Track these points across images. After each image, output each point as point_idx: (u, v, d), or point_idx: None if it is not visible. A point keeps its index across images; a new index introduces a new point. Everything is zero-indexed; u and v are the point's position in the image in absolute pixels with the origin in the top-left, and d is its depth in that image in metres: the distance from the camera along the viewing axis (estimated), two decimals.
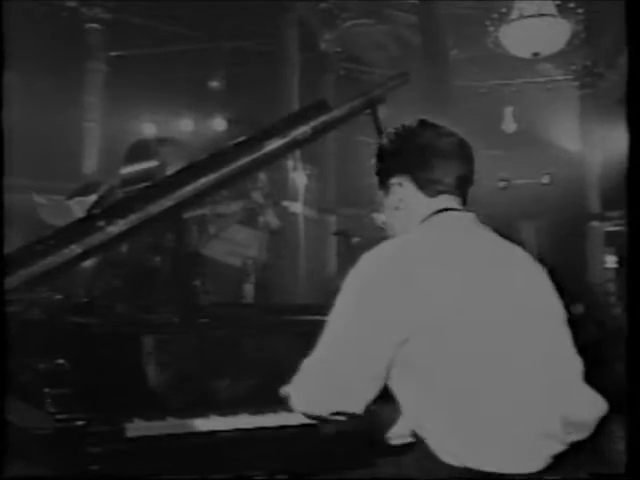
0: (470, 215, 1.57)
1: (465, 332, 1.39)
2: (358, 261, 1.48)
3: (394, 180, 1.59)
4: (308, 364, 1.46)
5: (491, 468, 1.37)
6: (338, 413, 1.45)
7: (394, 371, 1.43)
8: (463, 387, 1.39)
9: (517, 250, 1.57)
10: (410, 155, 1.59)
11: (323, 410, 1.45)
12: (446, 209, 1.55)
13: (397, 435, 1.54)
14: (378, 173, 1.66)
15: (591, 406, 1.51)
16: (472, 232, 1.55)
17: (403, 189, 1.58)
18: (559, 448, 1.43)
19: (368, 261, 1.47)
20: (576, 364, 1.51)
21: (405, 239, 1.53)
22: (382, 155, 1.65)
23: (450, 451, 1.39)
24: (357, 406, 1.42)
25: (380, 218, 1.76)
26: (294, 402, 1.47)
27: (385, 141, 1.65)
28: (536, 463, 1.40)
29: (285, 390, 1.51)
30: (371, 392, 1.42)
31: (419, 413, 1.45)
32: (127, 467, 1.75)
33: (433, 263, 1.43)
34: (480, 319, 1.41)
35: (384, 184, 1.63)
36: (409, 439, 1.50)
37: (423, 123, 1.64)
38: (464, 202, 1.61)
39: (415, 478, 1.45)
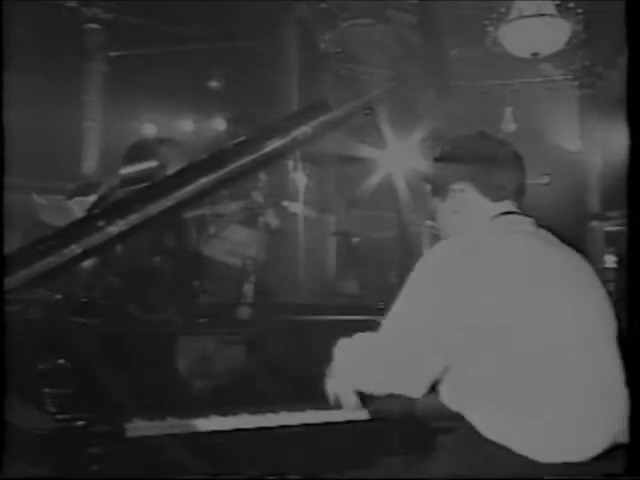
0: (531, 220, 1.66)
1: (527, 332, 1.44)
2: (429, 251, 1.55)
3: (455, 186, 1.68)
4: (371, 347, 1.52)
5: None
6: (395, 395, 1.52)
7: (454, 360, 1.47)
8: (526, 383, 1.43)
9: (576, 255, 1.64)
10: (473, 163, 1.69)
11: (383, 391, 1.52)
12: (510, 212, 1.64)
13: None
14: (435, 181, 1.75)
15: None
16: (535, 235, 1.63)
17: (465, 194, 1.69)
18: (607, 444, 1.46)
19: (439, 252, 1.54)
20: (622, 377, 1.55)
21: (483, 236, 1.60)
22: (442, 163, 1.74)
23: (497, 434, 1.43)
24: (417, 391, 1.49)
25: (432, 223, 1.83)
26: (351, 377, 1.54)
27: (446, 149, 1.75)
28: (583, 454, 1.45)
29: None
30: (430, 378, 1.48)
31: (467, 400, 1.49)
32: (127, 467, 1.75)
33: (500, 261, 1.50)
34: (542, 320, 1.46)
35: (442, 190, 1.72)
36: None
37: (483, 134, 1.76)
38: (520, 209, 1.70)
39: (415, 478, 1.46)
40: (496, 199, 1.68)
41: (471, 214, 1.69)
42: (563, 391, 1.46)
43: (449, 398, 1.52)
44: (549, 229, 1.73)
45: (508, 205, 1.69)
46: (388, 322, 1.53)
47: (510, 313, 1.46)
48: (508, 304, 1.46)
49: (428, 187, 1.80)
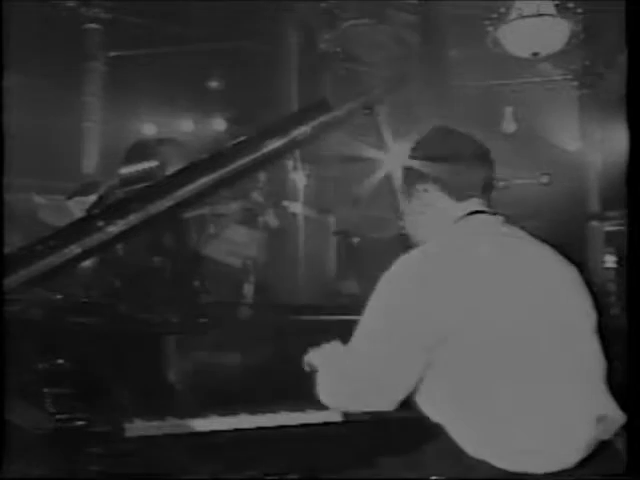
0: (500, 218, 1.61)
1: (494, 333, 1.42)
2: (394, 264, 1.51)
3: (419, 186, 1.64)
4: (341, 363, 1.49)
5: (520, 468, 1.38)
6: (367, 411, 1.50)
7: (426, 372, 1.45)
8: (491, 388, 1.41)
9: (548, 251, 1.59)
10: (436, 161, 1.64)
11: (354, 407, 1.50)
12: (478, 211, 1.59)
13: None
14: (402, 181, 1.72)
15: (616, 408, 1.53)
16: (504, 234, 1.59)
17: (429, 194, 1.63)
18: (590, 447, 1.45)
19: (404, 265, 1.50)
20: (602, 366, 1.53)
21: (442, 243, 1.55)
22: (407, 163, 1.71)
23: (476, 447, 1.41)
24: (388, 405, 1.46)
25: (401, 224, 1.80)
26: (324, 397, 1.51)
27: (410, 149, 1.71)
28: (567, 461, 1.42)
29: (310, 363, 1.55)
30: (402, 393, 1.45)
31: (445, 410, 1.46)
32: (127, 467, 1.75)
33: (467, 268, 1.46)
34: (510, 320, 1.44)
35: (408, 190, 1.68)
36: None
37: (445, 130, 1.69)
38: (489, 206, 1.65)
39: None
40: (461, 198, 1.62)
41: (436, 215, 1.64)
42: (540, 396, 1.43)
43: (427, 409, 1.50)
44: (522, 226, 1.68)
45: (475, 204, 1.63)
46: (357, 337, 1.50)
47: (477, 320, 1.41)
48: (474, 311, 1.42)
49: (400, 188, 1.77)
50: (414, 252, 1.54)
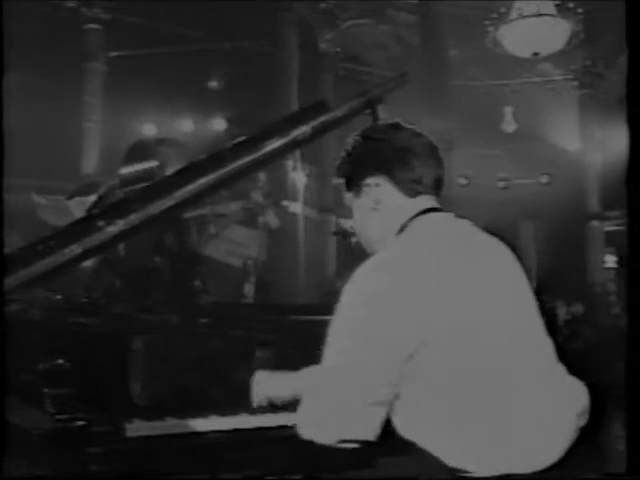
0: (451, 215, 1.58)
1: (462, 338, 1.39)
2: (353, 276, 1.45)
3: (370, 180, 1.58)
4: (312, 391, 1.43)
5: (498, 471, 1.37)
6: (348, 440, 1.42)
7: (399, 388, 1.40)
8: (465, 394, 1.38)
9: (495, 242, 1.57)
10: (388, 155, 1.58)
11: (332, 439, 1.41)
12: (429, 209, 1.55)
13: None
14: (348, 174, 1.64)
15: (582, 387, 1.52)
16: (458, 233, 1.55)
17: (380, 189, 1.57)
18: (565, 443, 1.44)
19: (364, 276, 1.45)
20: (550, 347, 1.52)
21: (397, 249, 1.51)
22: (354, 156, 1.63)
23: (453, 457, 1.39)
24: (368, 432, 1.39)
25: (348, 222, 1.73)
26: (302, 430, 1.43)
27: (358, 142, 1.63)
28: (547, 458, 1.41)
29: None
30: (379, 415, 1.40)
31: (420, 423, 1.43)
32: (127, 467, 1.75)
33: (426, 274, 1.42)
34: (472, 320, 1.41)
35: (356, 185, 1.61)
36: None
37: (397, 125, 1.63)
38: (439, 203, 1.61)
39: (415, 478, 1.45)
40: (412, 194, 1.56)
41: (389, 212, 1.57)
42: (509, 398, 1.41)
43: (402, 427, 1.45)
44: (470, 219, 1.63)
45: (425, 201, 1.57)
46: (327, 356, 1.44)
47: (444, 325, 1.37)
48: (439, 315, 1.37)
49: (341, 182, 1.66)
50: (370, 262, 1.49)
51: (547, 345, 1.51)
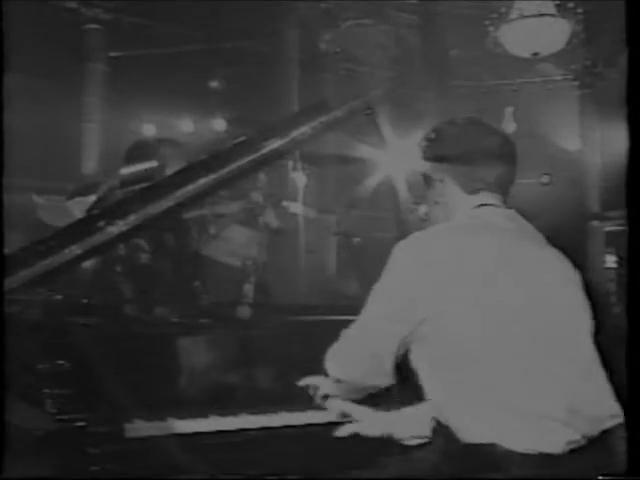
0: (510, 212, 1.63)
1: (480, 315, 1.44)
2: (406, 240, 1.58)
3: (436, 176, 1.66)
4: (344, 335, 1.57)
5: (507, 444, 1.39)
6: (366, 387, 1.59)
7: (414, 350, 1.49)
8: (475, 366, 1.43)
9: (549, 249, 1.61)
10: (454, 152, 1.65)
11: (347, 376, 1.55)
12: (484, 204, 1.62)
13: (413, 436, 1.57)
14: (423, 167, 1.73)
15: (600, 403, 1.53)
16: (505, 229, 1.60)
17: (444, 185, 1.66)
18: (573, 436, 1.44)
19: (408, 243, 1.57)
20: (594, 365, 1.53)
21: (442, 227, 1.60)
22: (427, 150, 1.71)
23: (469, 429, 1.43)
24: (381, 379, 1.53)
25: (422, 209, 1.83)
26: (330, 368, 1.62)
27: (432, 136, 1.71)
28: (551, 445, 1.43)
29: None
30: (390, 362, 1.50)
31: (437, 391, 1.49)
32: (127, 467, 1.75)
33: (460, 251, 1.49)
34: (495, 305, 1.45)
35: (427, 178, 1.70)
36: (424, 439, 1.54)
37: (470, 121, 1.70)
38: (504, 200, 1.67)
39: (415, 478, 1.47)
40: (471, 191, 1.64)
41: (449, 206, 1.66)
42: (509, 375, 1.44)
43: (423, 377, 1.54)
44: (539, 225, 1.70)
45: (486, 197, 1.64)
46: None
47: (459, 305, 1.45)
48: (457, 293, 1.46)
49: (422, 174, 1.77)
50: (420, 233, 1.61)
51: (587, 348, 1.53)
